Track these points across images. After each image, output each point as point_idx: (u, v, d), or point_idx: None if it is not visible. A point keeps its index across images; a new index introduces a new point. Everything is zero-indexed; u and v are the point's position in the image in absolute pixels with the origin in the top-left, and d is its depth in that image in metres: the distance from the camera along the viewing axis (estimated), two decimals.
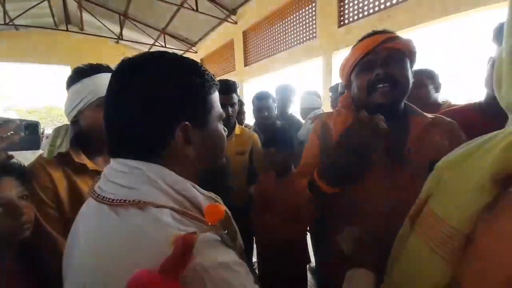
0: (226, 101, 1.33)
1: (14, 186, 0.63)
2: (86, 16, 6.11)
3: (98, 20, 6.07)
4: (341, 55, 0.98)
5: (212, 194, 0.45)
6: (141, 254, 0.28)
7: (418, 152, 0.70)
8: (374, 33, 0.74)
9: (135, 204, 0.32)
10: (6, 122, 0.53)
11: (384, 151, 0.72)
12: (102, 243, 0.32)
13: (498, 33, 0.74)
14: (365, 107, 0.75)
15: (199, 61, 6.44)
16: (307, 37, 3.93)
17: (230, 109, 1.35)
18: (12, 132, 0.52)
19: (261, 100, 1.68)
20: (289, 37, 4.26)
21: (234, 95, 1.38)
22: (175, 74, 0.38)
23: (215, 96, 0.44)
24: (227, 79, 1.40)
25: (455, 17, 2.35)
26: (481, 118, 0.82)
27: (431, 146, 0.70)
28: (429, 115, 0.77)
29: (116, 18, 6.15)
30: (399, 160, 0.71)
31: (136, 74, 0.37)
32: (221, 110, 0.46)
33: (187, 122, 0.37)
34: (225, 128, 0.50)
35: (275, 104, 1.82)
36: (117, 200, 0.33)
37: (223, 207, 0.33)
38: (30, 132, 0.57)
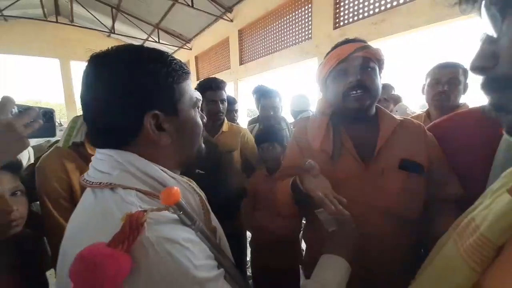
0: (217, 98, 1.38)
1: (8, 181, 0.63)
2: (76, 7, 5.93)
3: (89, 12, 5.90)
4: None
5: (185, 178, 0.48)
6: (105, 229, 0.31)
7: (387, 151, 0.76)
8: (347, 41, 0.80)
9: (108, 186, 0.37)
10: (27, 109, 0.52)
11: (356, 150, 0.78)
12: (79, 218, 0.38)
13: None
14: (340, 111, 0.83)
15: (193, 58, 6.36)
16: (303, 38, 3.95)
17: (220, 105, 1.38)
18: (33, 120, 0.52)
19: (268, 99, 1.68)
20: (285, 37, 4.27)
21: (223, 92, 1.41)
22: (139, 65, 0.39)
23: (186, 84, 0.45)
24: (214, 77, 1.45)
25: (448, 23, 2.41)
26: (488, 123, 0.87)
27: (399, 146, 0.77)
28: (398, 118, 0.83)
29: (108, 11, 5.99)
30: (369, 158, 0.76)
31: (102, 67, 0.39)
32: (194, 97, 0.47)
33: (156, 111, 0.40)
34: (203, 115, 0.52)
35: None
36: (95, 183, 0.38)
37: (177, 190, 0.34)
38: (46, 120, 0.57)
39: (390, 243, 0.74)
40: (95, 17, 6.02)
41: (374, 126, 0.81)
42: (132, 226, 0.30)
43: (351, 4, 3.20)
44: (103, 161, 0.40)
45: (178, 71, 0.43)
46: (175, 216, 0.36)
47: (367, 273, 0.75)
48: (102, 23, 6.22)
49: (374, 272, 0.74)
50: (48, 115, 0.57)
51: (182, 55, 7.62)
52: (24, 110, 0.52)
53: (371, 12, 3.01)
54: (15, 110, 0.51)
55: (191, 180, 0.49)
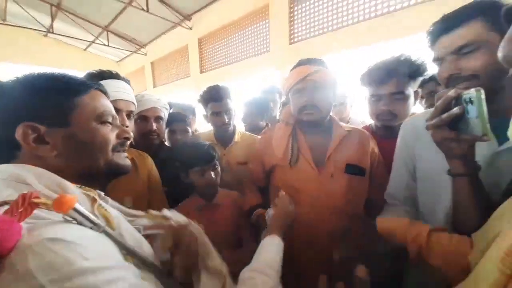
0: (219, 109, 1.27)
1: None
2: (11, 5, 5.09)
3: (24, 10, 5.12)
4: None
5: (91, 192, 0.46)
6: None
7: (336, 157, 0.90)
8: (306, 62, 0.93)
9: None
10: None
11: (311, 156, 0.90)
12: None
13: (363, 80, 1.03)
14: (299, 122, 0.97)
15: (149, 64, 5.97)
16: (262, 50, 4.15)
17: (225, 116, 1.28)
18: None
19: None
20: (245, 49, 4.42)
21: (228, 101, 1.29)
22: (20, 83, 0.44)
23: (88, 97, 0.48)
24: (218, 85, 1.31)
25: (385, 42, 2.87)
26: (374, 135, 1.07)
27: (345, 153, 0.91)
28: (347, 127, 0.99)
29: (47, 9, 5.29)
30: (322, 163, 0.90)
31: None
32: (100, 111, 0.49)
33: (32, 123, 0.41)
34: (125, 130, 0.53)
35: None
36: None
37: (72, 198, 0.35)
38: None
39: (340, 232, 0.85)
40: (30, 14, 5.25)
41: (328, 135, 0.94)
42: (25, 201, 0.32)
43: (304, 23, 3.53)
44: None
45: (74, 85, 0.47)
46: (61, 218, 0.36)
47: (322, 264, 0.83)
48: (39, 22, 5.45)
49: (328, 262, 0.85)
50: None
51: (136, 61, 7.16)
52: None
53: (320, 31, 3.37)
54: None
55: (92, 190, 0.48)
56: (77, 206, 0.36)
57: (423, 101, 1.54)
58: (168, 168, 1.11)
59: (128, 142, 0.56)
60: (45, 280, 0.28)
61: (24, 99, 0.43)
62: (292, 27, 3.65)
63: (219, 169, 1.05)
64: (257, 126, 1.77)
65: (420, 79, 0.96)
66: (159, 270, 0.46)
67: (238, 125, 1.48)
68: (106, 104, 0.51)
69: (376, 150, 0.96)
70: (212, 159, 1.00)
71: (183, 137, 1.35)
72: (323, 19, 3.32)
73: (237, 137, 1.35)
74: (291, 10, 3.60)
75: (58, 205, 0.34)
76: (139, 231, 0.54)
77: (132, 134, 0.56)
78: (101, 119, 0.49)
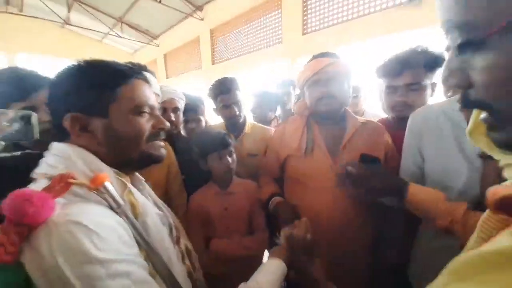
0: (228, 102, 1.27)
1: None
2: None
3: (41, 1, 5.26)
4: (305, 62, 1.04)
5: (124, 178, 0.49)
6: None
7: (350, 147, 0.92)
8: (322, 55, 0.94)
9: (43, 176, 0.42)
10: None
11: (326, 146, 0.93)
12: None
13: (378, 72, 1.02)
14: (314, 113, 0.98)
15: (162, 56, 6.00)
16: (274, 41, 4.11)
17: (235, 108, 1.27)
18: (5, 124, 0.58)
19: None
20: (257, 39, 4.39)
21: (237, 93, 1.28)
22: (65, 74, 0.47)
23: (126, 88, 0.48)
24: (226, 77, 1.31)
25: (396, 34, 2.81)
26: (389, 128, 1.05)
27: (361, 143, 0.92)
28: (361, 119, 1.00)
29: (63, 0, 5.41)
30: (336, 153, 0.92)
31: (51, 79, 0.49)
32: (137, 102, 0.49)
33: (76, 113, 0.45)
34: (161, 120, 0.54)
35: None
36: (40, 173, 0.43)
37: (105, 175, 0.41)
38: (24, 123, 0.62)
39: (354, 222, 0.89)
40: (47, 6, 5.39)
41: (342, 126, 0.96)
42: (62, 180, 0.37)
43: (317, 13, 3.45)
44: (50, 155, 0.45)
45: (116, 74, 0.48)
46: (98, 198, 0.40)
47: (335, 253, 0.86)
48: (56, 13, 5.59)
49: (343, 248, 0.88)
50: (26, 118, 0.61)
51: (149, 52, 7.24)
52: None
53: (334, 22, 3.30)
54: None
55: (125, 176, 0.50)
56: (107, 184, 0.41)
57: (450, 92, 1.46)
58: (186, 157, 1.14)
59: (163, 133, 0.56)
60: (61, 260, 0.32)
61: (71, 91, 0.46)
62: (305, 18, 3.57)
63: (235, 156, 1.07)
64: (265, 117, 1.80)
65: (438, 70, 0.94)
66: (168, 271, 0.46)
67: (248, 116, 1.48)
68: (145, 94, 0.51)
69: (391, 142, 0.96)
70: (229, 145, 1.04)
71: (197, 126, 1.39)
72: (337, 9, 3.24)
73: (247, 128, 1.35)
74: (304, 0, 3.51)
75: (94, 180, 0.40)
76: (165, 224, 0.57)
77: (168, 124, 0.56)
78: (138, 110, 0.50)
